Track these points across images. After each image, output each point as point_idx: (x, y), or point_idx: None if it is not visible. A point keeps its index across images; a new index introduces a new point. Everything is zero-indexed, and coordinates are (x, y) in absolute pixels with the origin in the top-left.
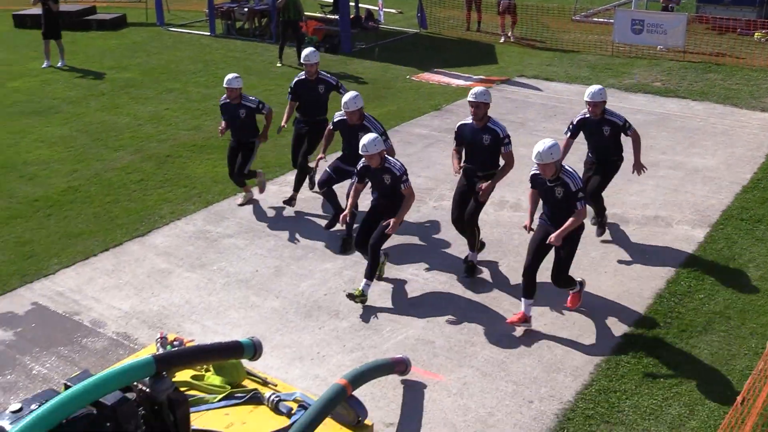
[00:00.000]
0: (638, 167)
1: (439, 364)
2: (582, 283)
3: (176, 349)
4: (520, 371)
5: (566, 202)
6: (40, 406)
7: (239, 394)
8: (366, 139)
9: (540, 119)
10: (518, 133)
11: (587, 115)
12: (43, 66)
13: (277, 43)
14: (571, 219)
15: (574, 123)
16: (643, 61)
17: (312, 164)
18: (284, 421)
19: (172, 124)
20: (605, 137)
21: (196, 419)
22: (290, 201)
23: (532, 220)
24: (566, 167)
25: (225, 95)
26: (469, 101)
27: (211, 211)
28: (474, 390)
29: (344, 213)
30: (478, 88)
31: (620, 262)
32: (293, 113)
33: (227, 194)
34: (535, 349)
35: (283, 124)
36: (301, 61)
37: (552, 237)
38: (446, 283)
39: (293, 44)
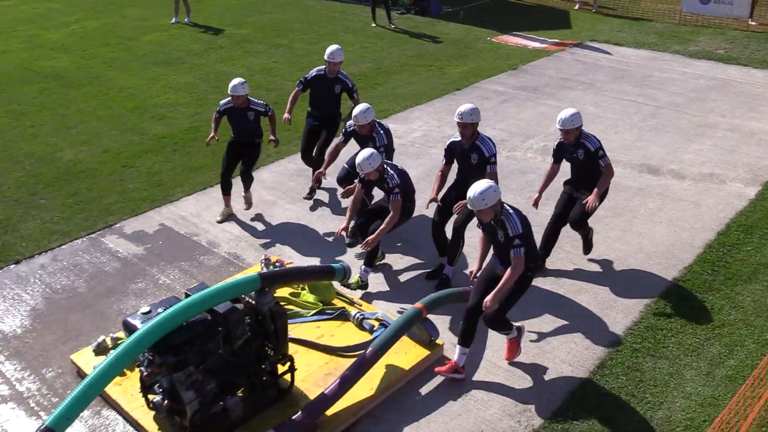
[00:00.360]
0: (592, 199)
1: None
2: (521, 329)
3: (278, 269)
4: (576, 306)
5: (508, 247)
6: (165, 309)
7: (329, 311)
8: (360, 158)
9: (608, 80)
10: (587, 92)
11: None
12: (172, 22)
13: None
14: (507, 272)
15: (555, 147)
16: (708, 30)
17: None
18: (366, 336)
19: (279, 75)
20: (581, 161)
21: (293, 329)
22: (311, 194)
23: (480, 267)
24: (507, 209)
25: (227, 100)
26: (457, 122)
27: None
28: (533, 321)
29: (343, 227)
30: (465, 107)
31: (675, 213)
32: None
33: None
34: (591, 287)
35: (286, 115)
36: (325, 58)
37: (487, 300)
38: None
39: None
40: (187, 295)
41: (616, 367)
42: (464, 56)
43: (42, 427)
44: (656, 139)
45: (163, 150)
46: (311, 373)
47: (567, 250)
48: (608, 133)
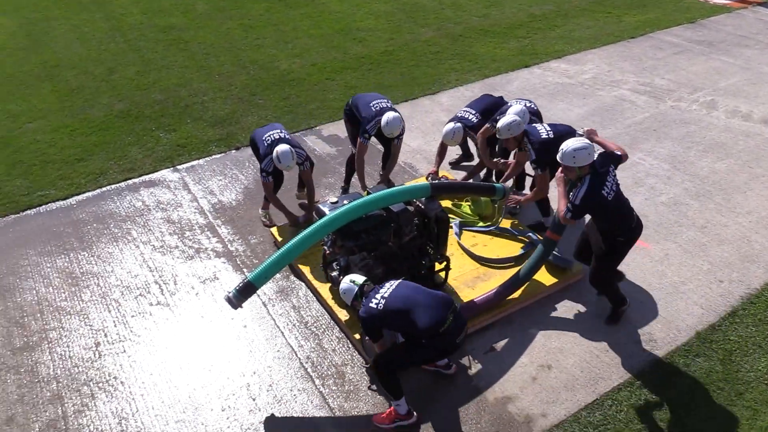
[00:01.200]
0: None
1: (647, 235)
2: (410, 415)
3: (447, 181)
4: (717, 255)
5: None
6: (350, 202)
7: (485, 224)
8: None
9: None
10: (764, 52)
11: None
12: None
13: None
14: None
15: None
16: None
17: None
18: (513, 252)
19: (467, 10)
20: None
21: (451, 235)
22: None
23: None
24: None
25: (270, 160)
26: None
27: (486, 83)
28: (673, 261)
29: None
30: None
31: None
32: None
33: (501, 71)
34: (735, 240)
35: (366, 186)
36: (384, 133)
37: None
38: (668, 169)
39: None
40: (368, 193)
41: (748, 318)
42: (643, 6)
43: (245, 280)
44: None
45: (360, 68)
46: (463, 274)
47: (717, 202)
48: None
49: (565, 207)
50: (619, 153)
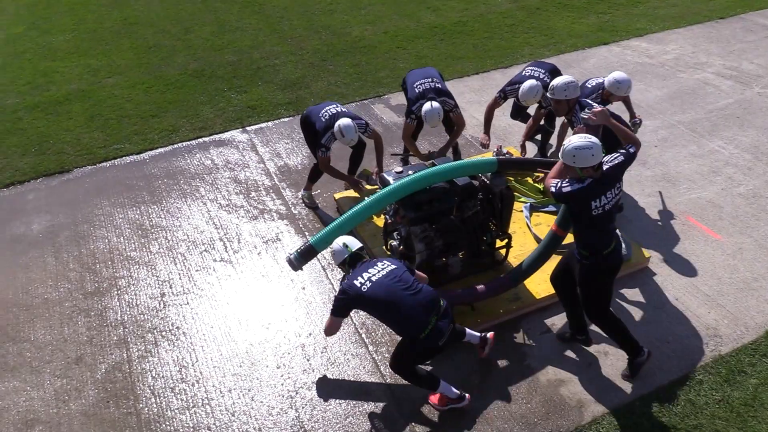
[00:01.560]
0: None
1: (721, 227)
2: (462, 399)
3: (515, 156)
4: None
5: None
6: (415, 172)
7: (551, 203)
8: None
9: None
10: None
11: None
12: None
13: None
14: None
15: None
16: None
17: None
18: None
19: None
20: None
21: (517, 213)
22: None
23: None
24: None
25: (330, 136)
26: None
27: (561, 59)
28: (747, 256)
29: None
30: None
31: None
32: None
33: (578, 47)
34: None
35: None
36: (428, 124)
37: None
38: (749, 159)
39: None
40: (433, 165)
41: None
42: None
43: (307, 243)
44: None
45: (432, 37)
46: (524, 253)
47: None
48: None
49: (555, 182)
50: (632, 149)
